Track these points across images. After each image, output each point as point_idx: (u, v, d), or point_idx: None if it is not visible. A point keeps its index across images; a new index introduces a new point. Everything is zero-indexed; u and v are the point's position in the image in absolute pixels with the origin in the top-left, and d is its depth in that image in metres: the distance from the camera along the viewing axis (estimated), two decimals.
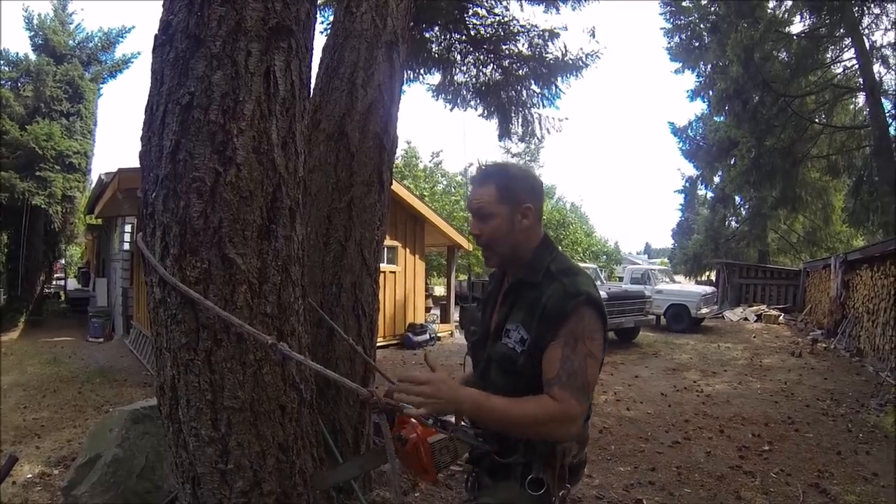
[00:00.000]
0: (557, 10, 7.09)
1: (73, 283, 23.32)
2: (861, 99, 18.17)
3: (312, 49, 2.09)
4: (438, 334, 12.88)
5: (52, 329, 14.65)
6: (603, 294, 10.95)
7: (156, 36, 1.83)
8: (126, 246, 12.62)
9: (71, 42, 16.53)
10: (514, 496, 1.53)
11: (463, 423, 1.69)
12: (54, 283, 20.75)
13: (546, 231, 1.69)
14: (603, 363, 1.57)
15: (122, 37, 17.43)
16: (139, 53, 18.41)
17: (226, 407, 1.78)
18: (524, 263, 1.61)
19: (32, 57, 15.84)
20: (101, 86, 17.11)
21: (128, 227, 12.44)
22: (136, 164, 1.87)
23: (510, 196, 1.58)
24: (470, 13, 6.73)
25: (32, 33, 15.99)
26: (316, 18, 2.16)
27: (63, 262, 23.74)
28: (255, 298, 1.81)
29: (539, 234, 1.65)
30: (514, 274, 1.66)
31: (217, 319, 1.72)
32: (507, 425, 1.44)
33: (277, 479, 1.88)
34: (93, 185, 14.36)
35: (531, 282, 1.57)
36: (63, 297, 20.02)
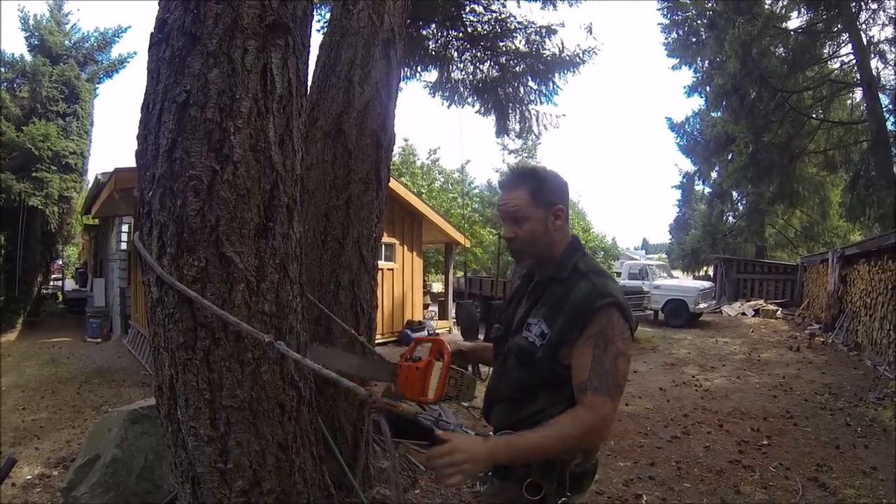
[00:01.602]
0: (554, 6, 7.08)
1: (70, 284, 23.26)
2: (858, 94, 18.16)
3: (309, 46, 2.09)
4: (436, 331, 12.87)
5: (49, 330, 14.62)
6: None
7: (152, 34, 1.82)
8: (123, 246, 12.59)
9: (67, 42, 16.48)
10: (513, 499, 1.53)
11: (461, 425, 1.70)
12: (52, 283, 20.68)
13: (574, 233, 1.71)
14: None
15: (118, 37, 17.39)
16: (135, 53, 18.35)
17: (224, 406, 1.77)
18: (554, 262, 1.62)
19: (28, 57, 15.79)
20: (97, 86, 17.07)
21: (125, 227, 12.41)
22: (132, 163, 1.86)
23: (543, 198, 1.60)
24: (467, 10, 6.71)
25: (28, 34, 15.95)
26: (313, 16, 2.15)
27: (60, 262, 23.66)
28: (253, 297, 1.81)
29: (568, 235, 1.67)
30: (541, 272, 1.67)
31: (215, 318, 1.71)
32: (550, 454, 1.45)
33: (277, 478, 1.88)
34: (89, 186, 14.34)
35: (558, 278, 1.58)
36: (60, 298, 19.99)
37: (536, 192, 1.59)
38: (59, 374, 9.19)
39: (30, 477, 4.57)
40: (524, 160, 30.02)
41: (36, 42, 15.92)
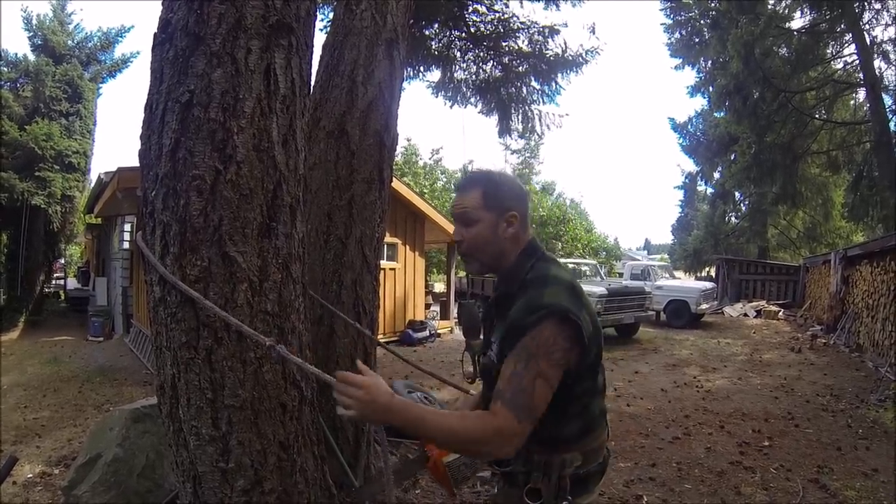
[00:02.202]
0: (557, 6, 7.09)
1: (72, 283, 23.31)
2: (861, 94, 18.16)
3: (313, 46, 2.09)
4: (438, 331, 12.88)
5: (51, 329, 14.66)
6: (602, 290, 11.09)
7: (155, 34, 1.82)
8: (126, 245, 12.63)
9: (70, 42, 16.52)
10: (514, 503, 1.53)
11: None
12: (54, 282, 20.74)
13: (533, 237, 1.64)
14: (594, 370, 1.53)
15: (121, 36, 17.42)
16: (138, 53, 18.36)
17: (226, 405, 1.78)
18: (507, 272, 1.57)
19: (31, 57, 15.82)
20: (100, 85, 17.11)
21: (127, 227, 12.43)
22: (135, 163, 1.87)
23: (495, 202, 1.55)
24: (470, 10, 6.71)
25: (31, 34, 15.98)
26: (316, 16, 2.15)
27: (63, 261, 23.75)
28: (256, 296, 1.81)
29: (524, 241, 1.60)
30: (498, 285, 1.63)
31: (217, 318, 1.71)
32: (438, 440, 1.39)
33: (278, 478, 1.89)
34: (92, 185, 14.36)
35: (510, 292, 1.53)
36: (63, 297, 20.03)
37: (489, 195, 1.55)
38: (61, 372, 9.22)
39: (31, 475, 4.58)
40: (526, 160, 30.08)
41: (39, 42, 15.95)
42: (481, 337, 1.77)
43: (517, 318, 1.41)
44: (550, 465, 1.49)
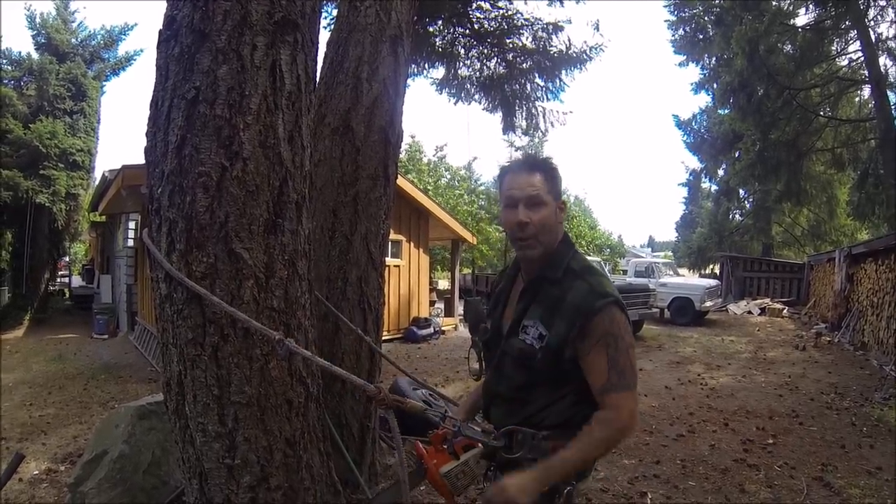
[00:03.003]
0: (561, 3, 7.05)
1: (77, 281, 23.41)
2: (866, 91, 18.06)
3: (318, 43, 2.09)
4: (442, 328, 12.89)
5: (56, 326, 14.72)
6: None
7: (160, 31, 1.82)
8: (130, 242, 12.66)
9: (73, 40, 16.58)
10: None
11: (476, 419, 1.71)
12: (58, 280, 20.81)
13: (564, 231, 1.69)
14: None
15: (124, 34, 17.49)
16: (142, 51, 18.46)
17: (233, 402, 1.78)
18: (547, 258, 1.59)
19: (35, 56, 15.90)
20: (104, 83, 17.21)
21: (132, 224, 12.48)
22: (140, 160, 1.87)
23: (555, 189, 1.60)
24: (473, 7, 6.69)
25: (35, 32, 16.04)
26: (320, 12, 2.15)
27: (67, 259, 23.81)
28: (262, 293, 1.81)
29: (562, 231, 1.65)
30: (529, 272, 1.65)
31: (224, 314, 1.71)
32: (590, 461, 1.54)
33: (285, 474, 1.89)
34: (96, 183, 14.41)
35: (552, 278, 1.56)
36: (67, 295, 20.10)
37: (551, 181, 1.59)
38: (66, 370, 9.26)
39: (37, 472, 4.60)
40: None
41: (43, 40, 16.02)
42: (479, 339, 1.77)
43: (583, 301, 1.48)
44: (557, 452, 1.51)
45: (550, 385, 1.54)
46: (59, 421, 6.24)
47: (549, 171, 1.60)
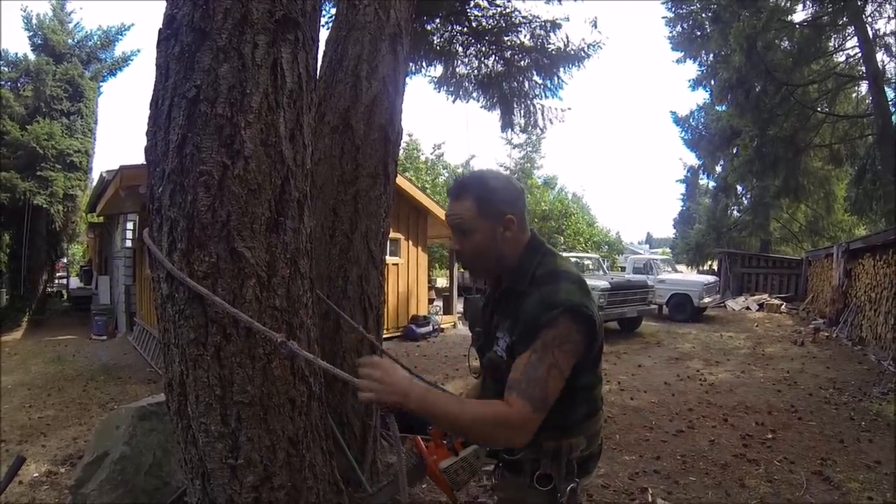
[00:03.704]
0: (559, 0, 7.07)
1: (75, 282, 23.35)
2: (864, 87, 18.08)
3: (318, 42, 2.08)
4: (441, 326, 12.89)
5: (55, 328, 14.70)
6: (605, 284, 11.09)
7: (160, 30, 1.82)
8: (128, 243, 12.65)
9: (70, 41, 16.53)
10: (523, 491, 1.57)
11: None
12: (56, 282, 20.77)
13: (533, 231, 1.64)
14: (598, 359, 1.56)
15: (121, 34, 17.42)
16: (139, 51, 18.38)
17: (235, 402, 1.78)
18: (513, 271, 1.57)
19: (32, 57, 15.83)
20: (101, 84, 17.15)
21: (130, 225, 12.46)
22: (137, 161, 1.87)
23: (491, 209, 1.53)
24: (471, 5, 6.68)
25: (31, 33, 15.98)
26: (321, 11, 2.15)
27: (65, 260, 23.78)
28: (264, 292, 1.81)
29: (524, 239, 1.60)
30: (504, 282, 1.63)
31: (226, 314, 1.71)
32: (454, 426, 1.39)
33: (288, 473, 1.89)
34: (94, 184, 14.37)
35: (518, 289, 1.54)
36: (65, 296, 20.06)
37: (484, 203, 1.53)
38: (65, 371, 9.24)
39: (37, 475, 4.59)
40: (528, 154, 30.03)
41: (39, 41, 15.96)
42: (473, 345, 1.78)
43: (533, 314, 1.42)
44: (559, 451, 1.53)
45: None
46: (59, 423, 6.23)
47: (481, 191, 1.54)
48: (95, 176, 14.42)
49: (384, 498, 2.11)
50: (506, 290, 1.59)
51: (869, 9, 15.96)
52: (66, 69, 15.58)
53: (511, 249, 1.56)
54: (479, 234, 1.53)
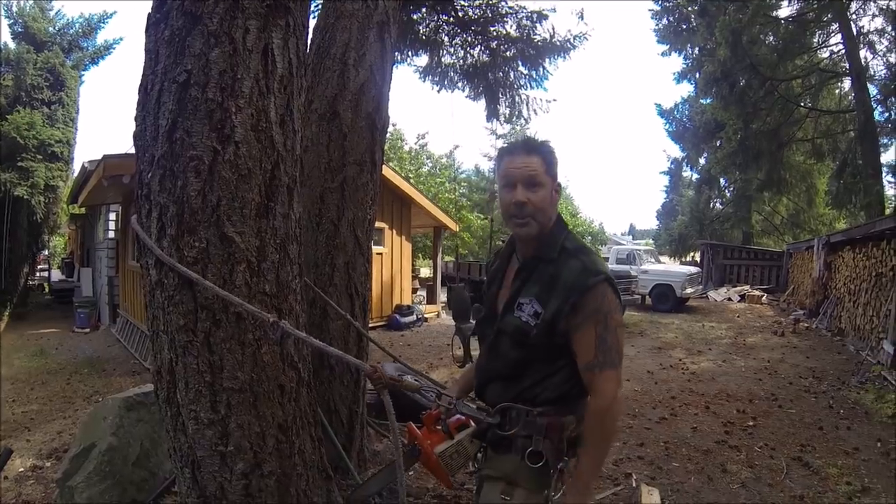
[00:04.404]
0: None
1: (56, 275, 23.02)
2: (847, 83, 18.25)
3: (308, 28, 2.08)
4: (425, 315, 12.91)
5: (37, 321, 14.48)
6: None
7: (149, 14, 1.80)
8: (111, 234, 12.49)
9: (51, 29, 16.20)
10: (514, 468, 1.58)
11: (469, 397, 1.73)
12: (38, 274, 20.47)
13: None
14: None
15: (103, 22, 17.14)
16: (121, 39, 18.02)
17: (225, 388, 1.78)
18: (542, 238, 1.62)
19: (12, 45, 15.52)
20: (82, 73, 16.84)
21: (112, 216, 12.30)
22: (120, 150, 1.86)
23: (552, 170, 1.62)
24: None
25: (12, 21, 15.64)
26: None
27: (46, 253, 23.45)
28: (254, 277, 1.81)
29: (557, 212, 1.67)
30: (525, 252, 1.68)
31: (216, 299, 1.71)
32: (606, 456, 1.63)
33: (277, 460, 1.89)
34: (75, 174, 14.16)
35: (547, 258, 1.59)
36: (47, 289, 19.78)
37: (549, 162, 1.61)
38: (49, 365, 9.12)
39: (22, 469, 4.52)
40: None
41: (20, 29, 15.63)
42: (471, 320, 1.81)
43: (576, 279, 1.51)
44: (552, 428, 1.57)
45: (545, 360, 1.58)
46: (43, 417, 6.16)
47: (547, 153, 1.62)
48: (77, 166, 14.23)
49: (377, 486, 2.12)
50: (533, 258, 1.64)
51: (854, 6, 16.13)
52: (47, 58, 15.29)
53: (552, 215, 1.64)
54: (545, 189, 1.60)
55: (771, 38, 17.80)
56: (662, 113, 26.16)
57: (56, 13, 16.61)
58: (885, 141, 17.22)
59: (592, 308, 1.49)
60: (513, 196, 1.58)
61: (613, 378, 1.48)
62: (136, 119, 1.82)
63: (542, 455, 1.55)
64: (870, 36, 16.81)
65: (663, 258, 22.07)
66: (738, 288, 17.60)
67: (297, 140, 1.98)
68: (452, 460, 1.63)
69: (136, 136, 1.82)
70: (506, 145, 1.75)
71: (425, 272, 22.77)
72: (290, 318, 1.93)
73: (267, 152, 1.81)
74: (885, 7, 15.82)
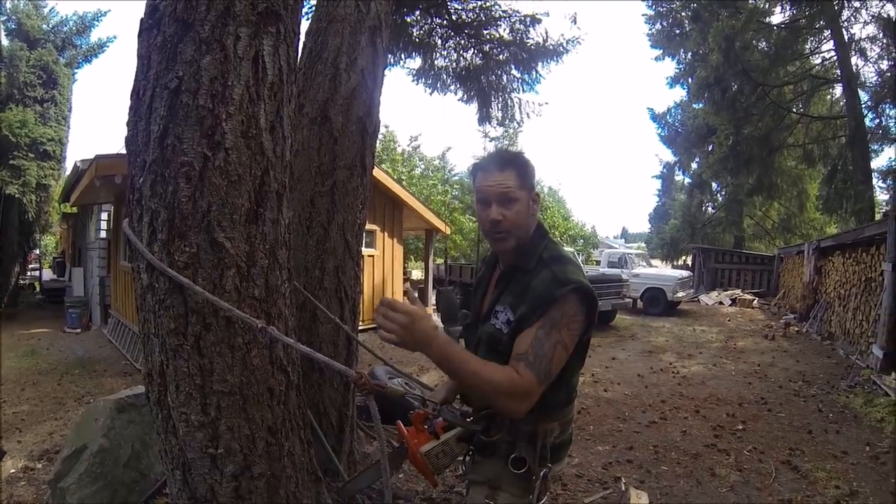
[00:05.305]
0: None
1: (47, 274, 22.85)
2: (838, 90, 18.44)
3: (300, 34, 2.09)
4: None
5: (28, 321, 14.36)
6: None
7: (142, 20, 1.81)
8: (103, 234, 12.42)
9: (45, 26, 16.12)
10: (497, 473, 1.61)
11: (454, 403, 1.75)
12: (29, 273, 20.33)
13: (539, 219, 1.73)
14: (587, 347, 1.63)
15: (97, 20, 17.06)
16: (115, 37, 17.97)
17: (215, 391, 1.79)
18: (522, 249, 1.63)
19: (5, 42, 15.41)
20: (75, 71, 16.76)
21: (104, 215, 12.24)
22: (112, 149, 1.86)
23: (527, 182, 1.63)
24: None
25: (5, 18, 15.55)
26: (303, 3, 2.16)
27: (38, 252, 23.30)
28: (244, 282, 1.82)
29: (536, 222, 1.69)
30: (505, 261, 1.69)
31: (206, 304, 1.72)
32: (468, 382, 1.44)
33: (267, 462, 1.91)
34: (67, 173, 14.07)
35: (525, 267, 1.61)
36: (38, 289, 19.65)
37: (523, 175, 1.61)
38: (40, 365, 9.07)
39: (13, 470, 4.50)
40: (505, 147, 30.08)
41: (13, 26, 15.53)
42: (460, 324, 1.82)
43: (544, 289, 1.50)
44: (535, 435, 1.58)
45: None
46: (34, 418, 6.12)
47: (521, 165, 1.63)
48: (69, 165, 14.12)
49: (363, 484, 2.14)
50: (512, 267, 1.65)
51: (846, 13, 16.26)
52: (39, 55, 15.21)
53: (531, 226, 1.65)
54: (520, 203, 1.60)
55: (763, 44, 17.96)
56: (655, 117, 26.26)
57: (50, 11, 16.54)
58: (876, 147, 17.45)
59: (549, 315, 1.47)
60: (488, 214, 1.61)
61: (532, 382, 1.42)
62: (127, 124, 1.83)
63: (525, 461, 1.57)
64: (861, 43, 17.01)
65: (655, 262, 22.19)
66: (730, 292, 17.69)
67: (286, 146, 1.99)
68: (438, 459, 1.65)
69: (128, 142, 1.83)
70: (479, 160, 1.77)
71: (417, 275, 22.78)
72: (279, 322, 1.94)
73: (257, 159, 1.83)
74: (876, 14, 15.96)
